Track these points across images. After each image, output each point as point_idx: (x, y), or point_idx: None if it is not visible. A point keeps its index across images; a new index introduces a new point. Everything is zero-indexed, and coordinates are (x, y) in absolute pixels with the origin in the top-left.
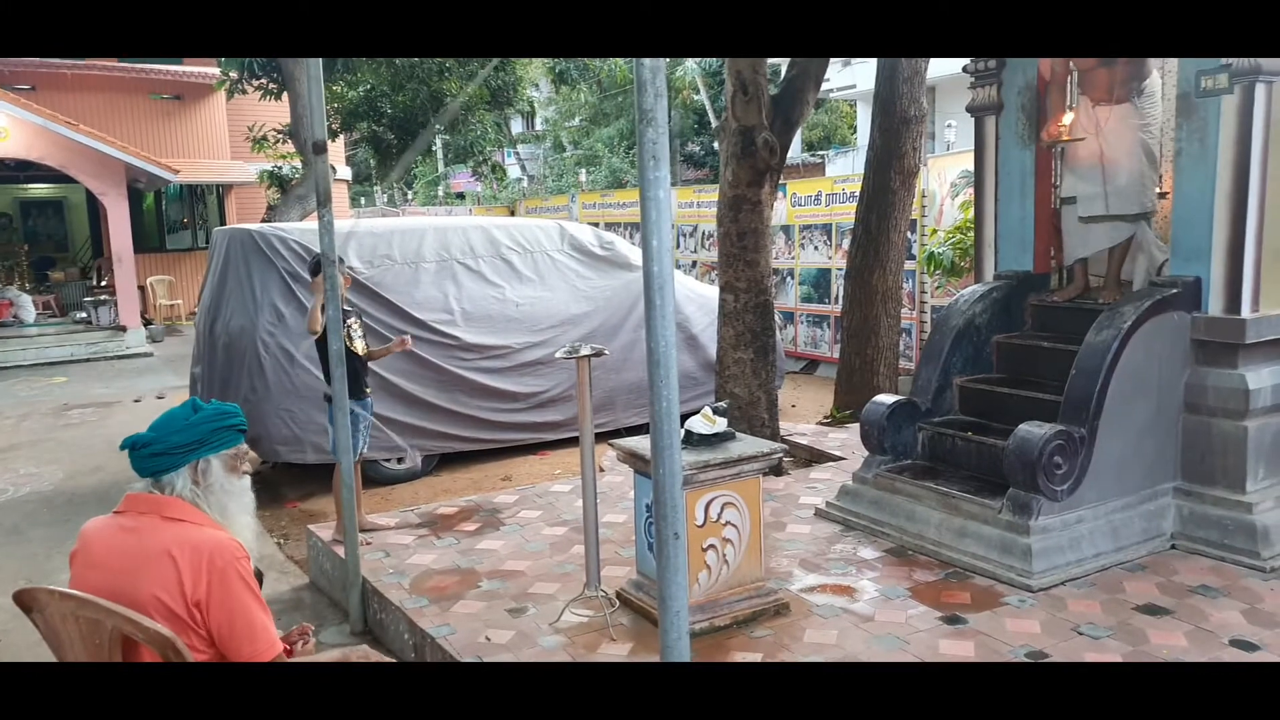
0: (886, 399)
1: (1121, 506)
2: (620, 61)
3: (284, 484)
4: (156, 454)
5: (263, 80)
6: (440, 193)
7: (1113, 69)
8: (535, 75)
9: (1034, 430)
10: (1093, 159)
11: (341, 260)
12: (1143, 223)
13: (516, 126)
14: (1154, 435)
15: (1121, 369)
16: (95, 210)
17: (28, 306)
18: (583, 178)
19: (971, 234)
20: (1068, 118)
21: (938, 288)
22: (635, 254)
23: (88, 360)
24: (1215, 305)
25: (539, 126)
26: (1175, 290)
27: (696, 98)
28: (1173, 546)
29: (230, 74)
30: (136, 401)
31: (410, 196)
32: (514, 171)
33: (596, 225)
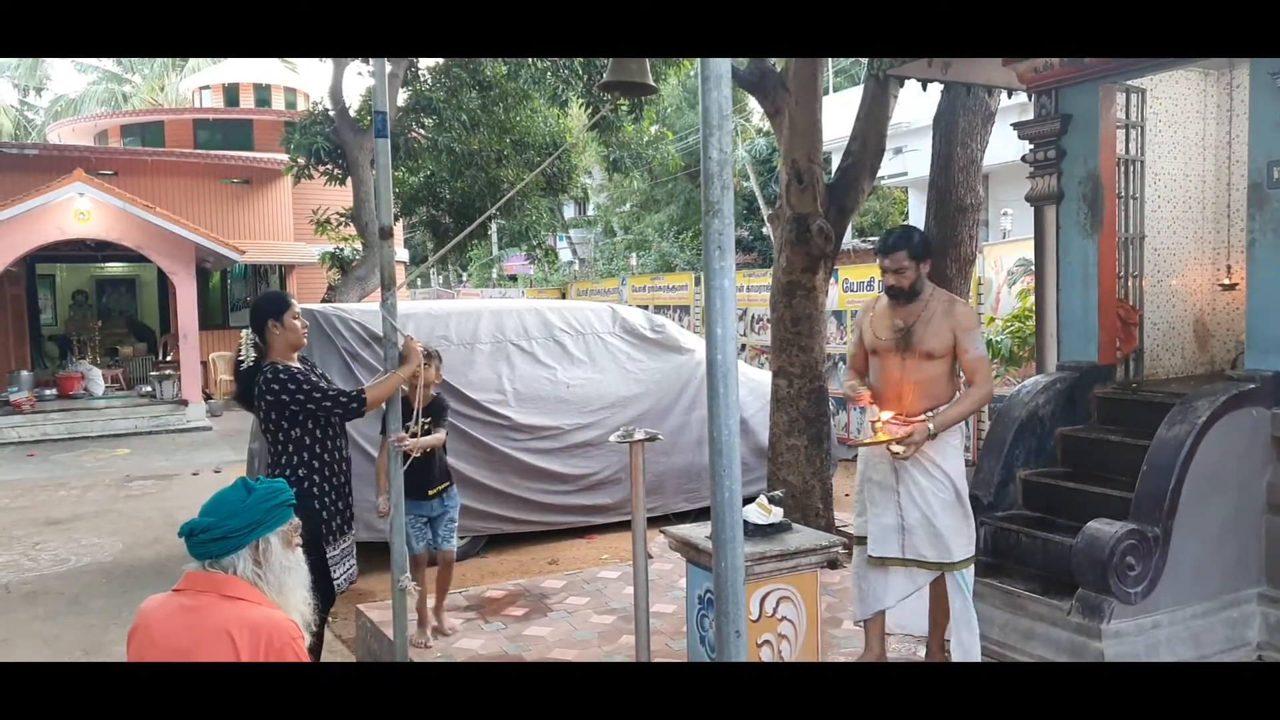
0: None
1: (1202, 612)
2: (672, 149)
3: None
4: (215, 539)
5: (328, 166)
6: (494, 275)
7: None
8: (589, 163)
9: (1104, 528)
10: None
11: (437, 353)
12: None
13: (569, 211)
14: (1234, 537)
15: (1196, 466)
16: (165, 289)
17: (97, 380)
18: (633, 261)
19: (1029, 322)
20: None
21: (996, 377)
22: (685, 337)
23: (150, 433)
24: None
25: (591, 212)
26: (1253, 385)
27: (745, 184)
28: (1259, 658)
29: (298, 160)
30: (194, 475)
31: (465, 278)
32: (565, 255)
33: (646, 308)
